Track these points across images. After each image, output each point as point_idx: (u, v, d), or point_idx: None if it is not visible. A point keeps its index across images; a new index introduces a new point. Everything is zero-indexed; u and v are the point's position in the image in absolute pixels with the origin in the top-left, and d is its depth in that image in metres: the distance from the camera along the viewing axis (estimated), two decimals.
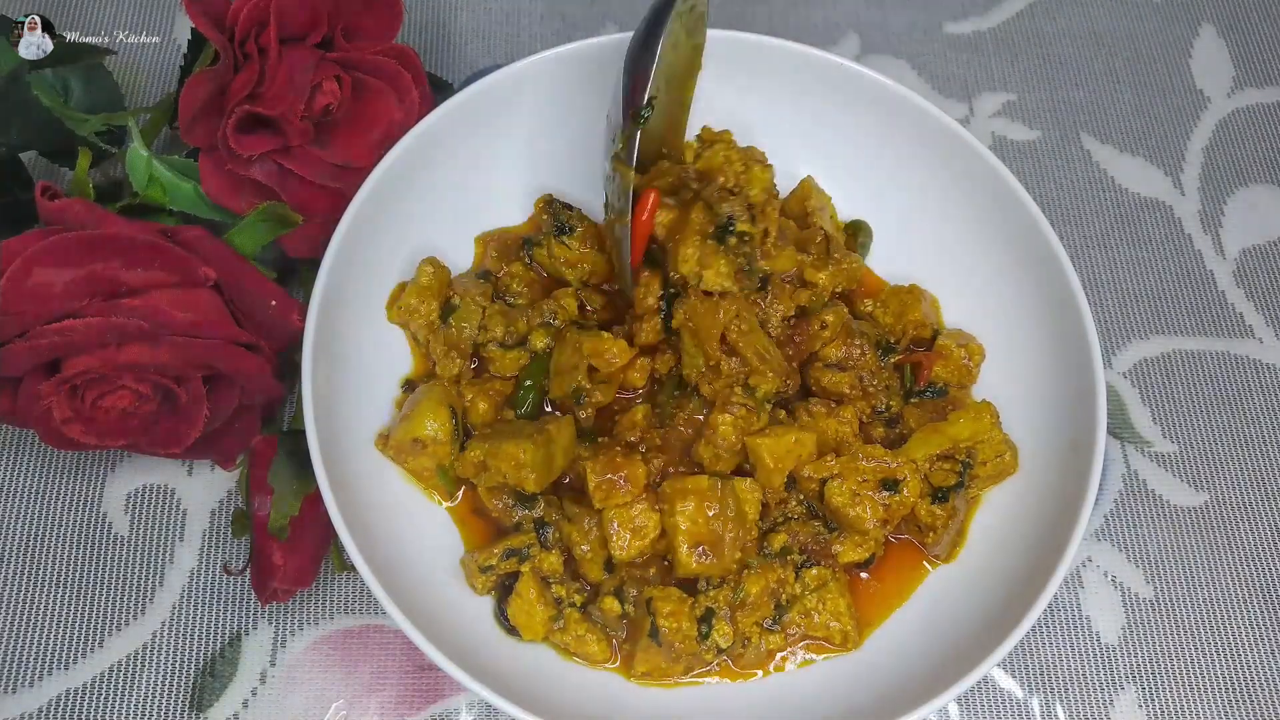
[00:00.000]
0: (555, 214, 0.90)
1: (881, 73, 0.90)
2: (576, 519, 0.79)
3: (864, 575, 0.83)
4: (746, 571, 0.78)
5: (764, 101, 0.94)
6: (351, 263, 0.84)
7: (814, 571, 0.80)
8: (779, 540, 0.80)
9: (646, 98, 0.76)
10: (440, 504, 0.83)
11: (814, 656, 0.80)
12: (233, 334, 0.77)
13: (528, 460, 0.77)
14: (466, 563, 0.80)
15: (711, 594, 0.77)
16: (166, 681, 0.82)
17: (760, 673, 0.79)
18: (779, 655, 0.80)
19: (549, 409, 0.86)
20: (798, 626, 0.80)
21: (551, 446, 0.79)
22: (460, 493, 0.83)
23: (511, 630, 0.78)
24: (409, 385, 0.86)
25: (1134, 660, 0.86)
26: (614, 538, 0.77)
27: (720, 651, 0.78)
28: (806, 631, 0.80)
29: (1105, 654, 0.86)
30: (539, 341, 0.86)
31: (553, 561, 0.79)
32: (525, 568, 0.78)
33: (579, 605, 0.80)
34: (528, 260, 0.91)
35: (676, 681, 0.78)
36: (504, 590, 0.79)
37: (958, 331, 0.90)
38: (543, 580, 0.79)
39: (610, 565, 0.80)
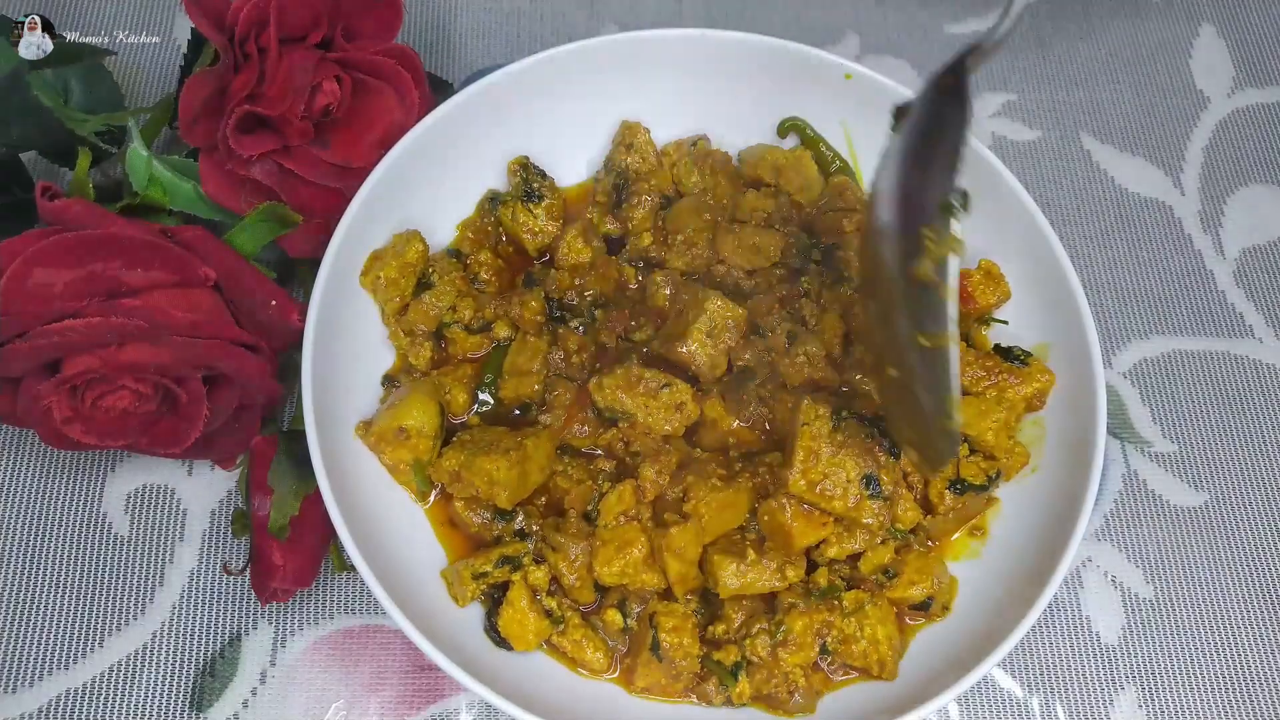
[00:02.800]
0: (527, 178, 0.90)
1: (881, 73, 0.90)
2: (562, 548, 0.78)
3: (910, 620, 0.81)
4: (792, 609, 0.77)
5: (763, 101, 0.95)
6: (352, 263, 0.84)
7: (851, 594, 0.78)
8: (823, 576, 0.78)
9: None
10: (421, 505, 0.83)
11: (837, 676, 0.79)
12: (233, 334, 0.77)
13: (501, 478, 0.76)
14: (452, 572, 0.79)
15: (748, 642, 0.75)
16: (166, 681, 0.82)
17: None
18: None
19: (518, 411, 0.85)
20: (837, 656, 0.78)
21: (527, 463, 0.78)
22: (433, 496, 0.83)
23: (501, 642, 0.77)
24: (389, 380, 0.86)
25: (1134, 660, 0.86)
26: (600, 551, 0.76)
27: (729, 702, 0.76)
28: (845, 660, 0.78)
29: (1105, 654, 0.86)
30: (501, 331, 0.86)
31: (539, 576, 0.77)
32: (517, 577, 0.77)
33: (578, 609, 0.79)
34: (492, 217, 0.91)
35: (676, 700, 0.77)
36: (493, 602, 0.78)
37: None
38: (533, 590, 0.78)
39: (600, 586, 0.79)
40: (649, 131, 0.93)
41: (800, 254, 0.89)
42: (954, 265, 0.63)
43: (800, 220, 0.92)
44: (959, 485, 0.80)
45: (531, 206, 0.89)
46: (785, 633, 0.76)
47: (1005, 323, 0.88)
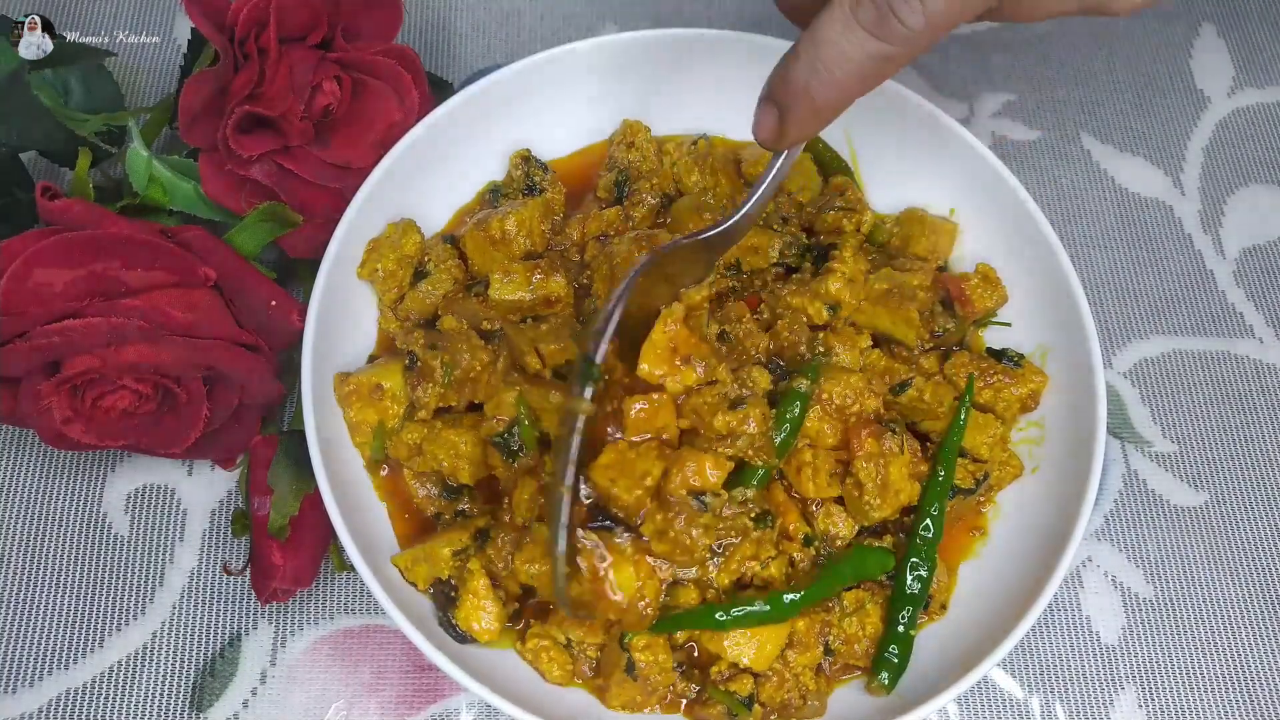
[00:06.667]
0: (529, 172, 0.90)
1: None
2: (494, 532, 0.76)
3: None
4: None
5: None
6: (352, 263, 0.84)
7: (852, 594, 0.78)
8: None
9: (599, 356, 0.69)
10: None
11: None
12: (233, 334, 0.77)
13: (466, 452, 0.76)
14: (420, 555, 0.76)
15: (771, 689, 0.74)
16: (166, 681, 0.82)
17: None
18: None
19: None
20: (840, 656, 0.78)
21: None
22: (384, 470, 0.81)
23: (462, 637, 0.75)
24: (373, 360, 0.86)
25: (1134, 660, 0.86)
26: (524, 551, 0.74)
27: None
28: (847, 660, 0.78)
29: (1105, 654, 0.86)
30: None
31: (484, 562, 0.75)
32: (474, 565, 0.75)
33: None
34: (491, 200, 0.90)
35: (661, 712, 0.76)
36: (446, 598, 0.76)
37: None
38: (491, 578, 0.75)
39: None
40: (650, 130, 0.93)
41: (798, 254, 0.89)
42: (580, 422, 0.67)
43: (801, 220, 0.92)
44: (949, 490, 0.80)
45: (529, 202, 0.88)
46: (790, 635, 0.75)
47: (1008, 325, 0.88)
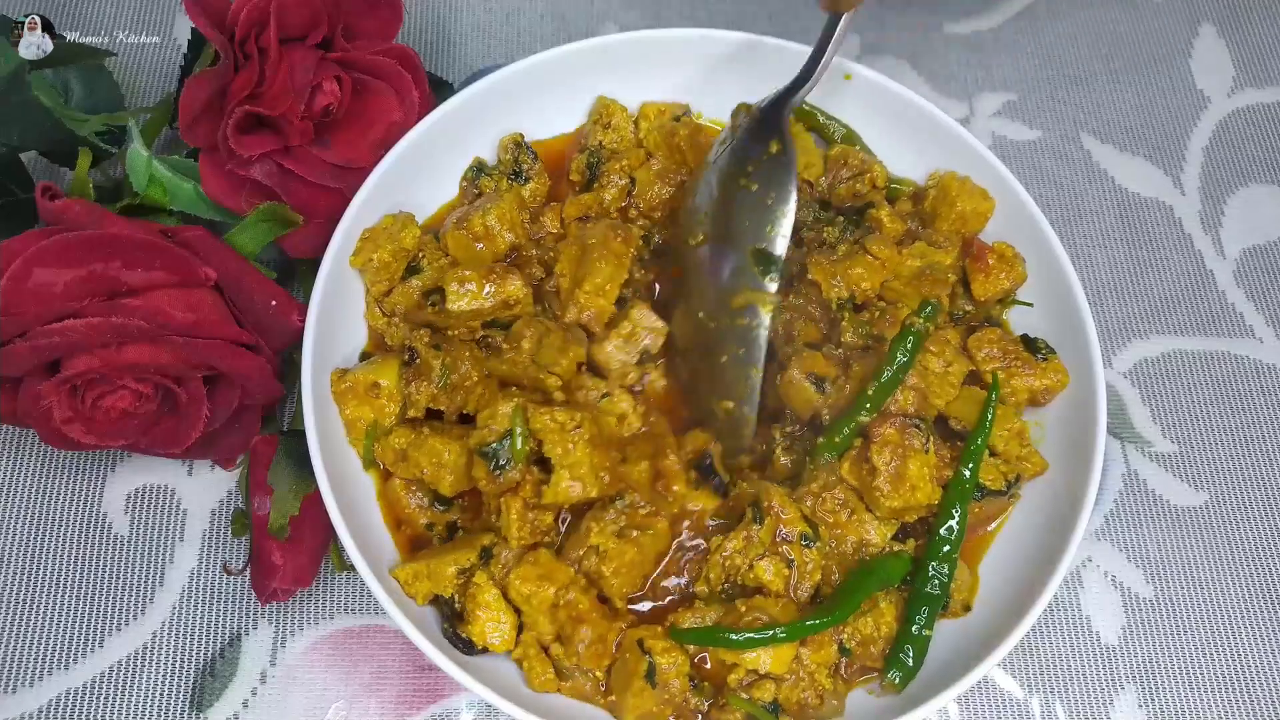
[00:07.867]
0: (518, 157, 0.90)
1: (881, 73, 0.90)
2: (496, 548, 0.76)
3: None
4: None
5: None
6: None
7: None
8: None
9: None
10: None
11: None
12: (233, 334, 0.77)
13: (450, 461, 0.76)
14: (421, 569, 0.76)
15: (787, 689, 0.74)
16: (166, 681, 0.82)
17: None
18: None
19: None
20: (855, 658, 0.77)
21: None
22: (376, 471, 0.81)
23: (470, 649, 0.74)
24: (365, 358, 0.85)
25: (1134, 660, 0.86)
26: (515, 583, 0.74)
27: None
28: (864, 663, 0.77)
29: (1105, 654, 0.86)
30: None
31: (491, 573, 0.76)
32: (481, 578, 0.75)
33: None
34: (473, 177, 0.90)
35: None
36: (453, 612, 0.75)
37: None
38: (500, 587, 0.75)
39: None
40: (626, 109, 0.93)
41: (827, 222, 0.88)
42: (764, 315, 0.78)
43: (814, 196, 0.91)
44: (978, 491, 0.79)
45: (515, 187, 0.89)
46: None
47: (1030, 305, 0.87)
